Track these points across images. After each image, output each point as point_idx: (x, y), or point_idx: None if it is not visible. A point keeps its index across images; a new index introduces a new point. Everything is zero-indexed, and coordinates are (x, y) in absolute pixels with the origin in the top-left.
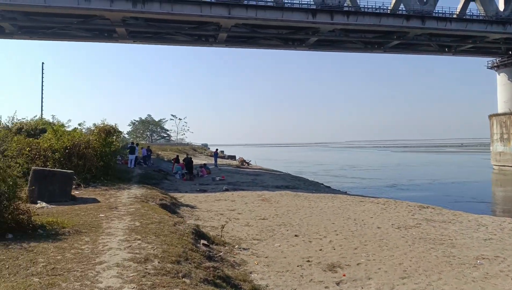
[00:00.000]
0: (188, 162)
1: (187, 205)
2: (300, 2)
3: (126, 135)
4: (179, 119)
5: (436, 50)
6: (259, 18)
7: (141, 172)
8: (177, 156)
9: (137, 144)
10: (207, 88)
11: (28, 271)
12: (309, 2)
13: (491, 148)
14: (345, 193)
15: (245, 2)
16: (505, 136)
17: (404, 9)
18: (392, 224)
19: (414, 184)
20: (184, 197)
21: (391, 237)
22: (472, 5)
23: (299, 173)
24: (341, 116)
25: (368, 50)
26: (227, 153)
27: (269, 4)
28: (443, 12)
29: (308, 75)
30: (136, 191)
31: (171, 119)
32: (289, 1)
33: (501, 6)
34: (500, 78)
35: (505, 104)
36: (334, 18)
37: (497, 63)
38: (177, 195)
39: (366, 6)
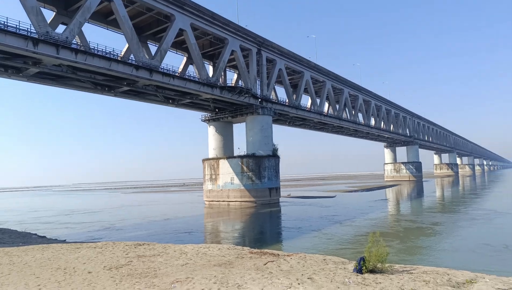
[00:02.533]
0: None
1: None
2: (18, 27)
3: None
4: None
5: (163, 101)
6: None
7: None
8: None
9: None
10: None
11: None
12: (29, 30)
13: (203, 186)
14: (64, 241)
15: None
16: (213, 177)
17: (134, 59)
18: (104, 267)
19: (137, 223)
20: None
21: (101, 279)
22: (191, 68)
23: (8, 224)
24: (68, 157)
25: (99, 92)
26: None
27: None
28: (168, 69)
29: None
30: None
31: None
32: (3, 23)
33: (210, 73)
34: (210, 129)
35: (214, 150)
36: (60, 53)
37: (208, 117)
38: None
39: (96, 48)
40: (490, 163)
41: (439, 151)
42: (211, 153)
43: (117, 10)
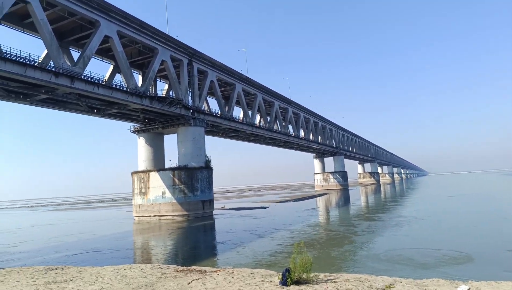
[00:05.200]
0: None
1: None
2: None
3: None
4: None
5: (86, 110)
6: None
7: None
8: None
9: None
10: None
11: None
12: None
13: (133, 201)
14: None
15: None
16: (143, 190)
17: (53, 65)
18: None
19: (55, 244)
20: None
21: None
22: (118, 76)
23: None
24: None
25: (12, 100)
26: None
27: None
28: (92, 77)
29: None
30: None
31: None
32: None
33: (140, 83)
34: (140, 141)
35: (144, 163)
36: None
37: (137, 128)
38: None
39: (9, 52)
40: (407, 172)
41: (362, 161)
42: (141, 166)
43: (34, 13)
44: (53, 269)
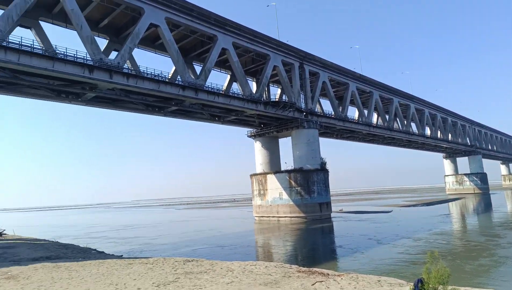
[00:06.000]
0: None
1: None
2: (75, 56)
3: None
4: None
5: (209, 118)
6: (23, 64)
7: None
8: None
9: None
10: None
11: None
12: (85, 58)
13: (253, 202)
14: (120, 256)
15: (4, 44)
16: (262, 192)
17: (180, 80)
18: (153, 283)
19: (193, 238)
20: None
21: None
22: (234, 85)
23: (74, 239)
24: (126, 175)
25: (149, 112)
26: None
27: (37, 51)
28: (212, 87)
29: (85, 131)
30: None
31: None
32: (63, 53)
33: (254, 89)
34: (257, 145)
35: (261, 165)
36: (113, 78)
37: (254, 133)
38: None
39: (146, 71)
40: None
41: (506, 161)
42: (259, 169)
43: (163, 35)
44: (189, 261)
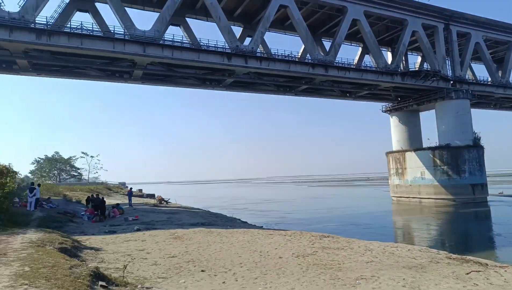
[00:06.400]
0: (100, 202)
1: (91, 248)
2: (216, 46)
3: (29, 175)
4: (91, 156)
5: (339, 95)
6: (176, 58)
7: (42, 215)
8: (90, 196)
9: (39, 185)
10: (124, 126)
11: None
12: (224, 47)
13: (389, 181)
14: (261, 227)
15: (161, 42)
16: (400, 171)
17: (310, 58)
18: (292, 253)
19: (325, 215)
20: (90, 240)
21: (289, 265)
22: (367, 57)
23: (220, 210)
24: (262, 152)
25: (281, 93)
26: (146, 191)
27: (185, 45)
28: (343, 62)
29: (227, 114)
30: (32, 235)
31: (82, 157)
32: (205, 44)
33: (389, 60)
34: (393, 120)
35: (398, 143)
36: (248, 62)
37: (389, 107)
38: (82, 238)
39: (276, 53)
40: None
41: None
42: (395, 146)
43: (292, 15)
44: (325, 237)
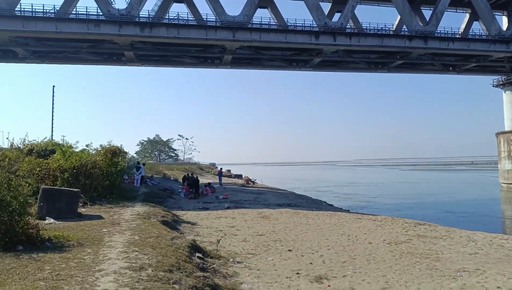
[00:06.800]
0: (194, 181)
1: (188, 222)
2: (303, 25)
3: (135, 155)
4: (186, 139)
5: (440, 70)
6: (263, 41)
7: (146, 191)
8: (186, 175)
9: (144, 164)
10: (214, 109)
11: (35, 276)
12: (312, 25)
13: (499, 166)
14: (348, 211)
15: (249, 26)
16: None
17: (407, 29)
18: (383, 240)
19: (418, 201)
20: (186, 215)
21: (380, 251)
22: (475, 24)
23: (305, 191)
24: (349, 134)
25: (372, 70)
26: (234, 172)
27: (272, 27)
28: (446, 32)
29: (313, 95)
30: (139, 208)
31: (178, 139)
32: (292, 24)
33: (504, 26)
34: (506, 96)
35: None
36: (337, 40)
37: (502, 81)
38: (179, 212)
39: (368, 27)
40: None
41: None
42: (509, 125)
43: None
44: (421, 224)
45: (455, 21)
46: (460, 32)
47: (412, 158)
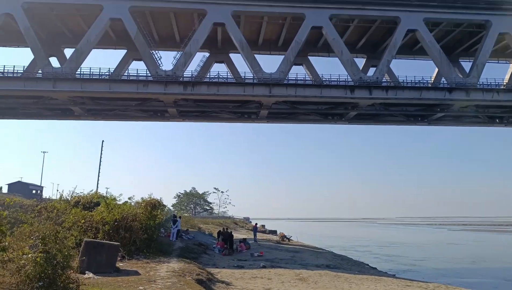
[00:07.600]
0: (229, 236)
1: (222, 282)
2: (338, 80)
3: (171, 207)
4: (222, 192)
5: (486, 122)
6: (298, 96)
7: (181, 246)
8: (220, 230)
9: (180, 217)
10: (250, 163)
11: None
12: (346, 80)
13: None
14: (393, 276)
15: (285, 82)
16: None
17: (446, 82)
18: None
19: (472, 267)
20: (221, 273)
21: None
22: None
23: (343, 250)
24: (390, 190)
25: (411, 123)
26: (268, 227)
27: (308, 82)
28: (489, 83)
29: (352, 147)
30: (174, 265)
31: (214, 192)
32: (327, 79)
33: None
34: None
35: None
36: (372, 93)
37: None
38: (214, 270)
39: (405, 80)
40: None
41: None
42: None
43: (422, 38)
44: None
45: (499, 72)
46: (504, 83)
47: (460, 217)
